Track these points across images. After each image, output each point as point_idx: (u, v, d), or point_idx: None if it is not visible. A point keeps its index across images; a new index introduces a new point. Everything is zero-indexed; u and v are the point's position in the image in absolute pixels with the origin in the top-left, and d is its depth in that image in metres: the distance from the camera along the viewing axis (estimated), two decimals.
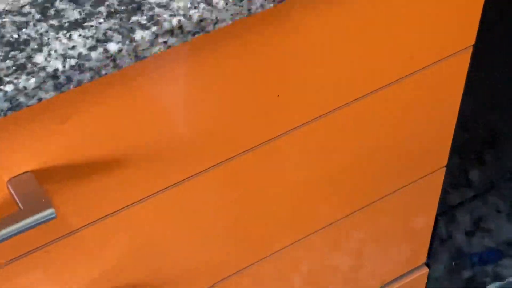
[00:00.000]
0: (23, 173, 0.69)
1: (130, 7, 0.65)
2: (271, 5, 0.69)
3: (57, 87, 0.63)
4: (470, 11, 0.89)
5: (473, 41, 0.92)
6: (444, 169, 1.06)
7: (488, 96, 1.04)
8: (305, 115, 0.86)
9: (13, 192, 0.68)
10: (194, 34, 0.67)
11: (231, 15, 0.67)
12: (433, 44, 0.90)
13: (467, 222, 1.29)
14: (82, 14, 0.65)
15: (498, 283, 1.37)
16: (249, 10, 0.68)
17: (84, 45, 0.63)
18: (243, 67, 0.76)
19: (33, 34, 0.64)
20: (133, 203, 0.79)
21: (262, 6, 0.68)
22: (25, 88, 0.61)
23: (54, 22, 0.64)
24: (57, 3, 0.66)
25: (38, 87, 0.62)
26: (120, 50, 0.63)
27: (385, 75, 0.89)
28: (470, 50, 0.93)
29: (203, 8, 0.66)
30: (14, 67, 0.61)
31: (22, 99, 0.61)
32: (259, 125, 0.83)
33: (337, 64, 0.83)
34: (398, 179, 1.05)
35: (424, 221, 1.18)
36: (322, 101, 0.86)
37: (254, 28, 0.74)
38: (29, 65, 0.62)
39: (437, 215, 1.19)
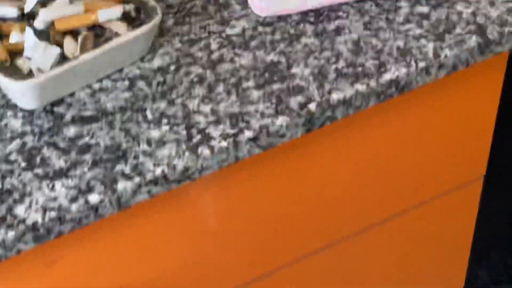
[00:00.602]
0: None
1: (115, 155, 0.66)
2: (259, 151, 0.68)
3: (37, 239, 0.62)
4: (480, 141, 0.87)
5: (484, 171, 0.90)
6: None
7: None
8: (305, 248, 0.84)
9: None
10: (179, 182, 0.66)
11: (218, 162, 0.67)
12: (444, 174, 0.88)
13: None
14: (67, 162, 0.65)
15: None
16: (236, 157, 0.67)
17: (66, 196, 0.63)
18: (236, 205, 0.76)
19: (16, 183, 0.64)
20: None
21: (249, 152, 0.68)
22: (3, 241, 0.61)
23: (38, 171, 0.65)
24: (44, 150, 0.66)
25: (17, 239, 0.62)
26: (101, 201, 0.63)
27: (394, 205, 0.87)
28: (482, 179, 0.91)
29: (188, 157, 0.66)
30: None
31: (0, 251, 0.61)
32: (256, 260, 0.82)
33: (339, 196, 0.82)
34: None
35: None
36: (322, 234, 0.84)
37: (242, 170, 0.73)
38: (9, 217, 0.62)
39: None
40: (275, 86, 0.70)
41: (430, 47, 0.72)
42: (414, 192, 0.88)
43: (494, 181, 0.92)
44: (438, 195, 0.90)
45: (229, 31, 0.74)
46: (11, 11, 0.72)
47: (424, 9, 0.75)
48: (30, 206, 0.63)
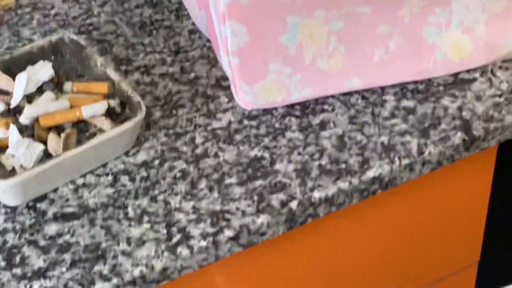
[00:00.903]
0: None
1: (94, 254, 0.66)
2: (239, 249, 0.68)
3: None
4: (472, 230, 0.87)
5: (478, 258, 0.89)
6: None
7: None
8: None
9: None
10: (158, 282, 0.66)
11: (197, 262, 0.67)
12: (436, 262, 0.87)
13: None
14: (47, 262, 0.65)
15: None
16: (216, 256, 0.67)
17: None
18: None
19: None
20: None
21: (230, 251, 0.68)
22: None
23: (17, 270, 0.65)
24: (24, 249, 0.66)
25: None
26: None
27: None
28: (476, 265, 0.90)
29: (167, 257, 0.65)
30: None
31: None
32: None
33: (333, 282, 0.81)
34: None
35: None
36: None
37: (222, 266, 0.73)
38: None
39: None
40: (258, 183, 0.70)
41: (414, 143, 0.71)
42: (405, 282, 0.87)
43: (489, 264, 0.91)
44: (431, 283, 0.89)
45: (214, 124, 0.75)
46: None
47: (410, 103, 0.75)
48: None
